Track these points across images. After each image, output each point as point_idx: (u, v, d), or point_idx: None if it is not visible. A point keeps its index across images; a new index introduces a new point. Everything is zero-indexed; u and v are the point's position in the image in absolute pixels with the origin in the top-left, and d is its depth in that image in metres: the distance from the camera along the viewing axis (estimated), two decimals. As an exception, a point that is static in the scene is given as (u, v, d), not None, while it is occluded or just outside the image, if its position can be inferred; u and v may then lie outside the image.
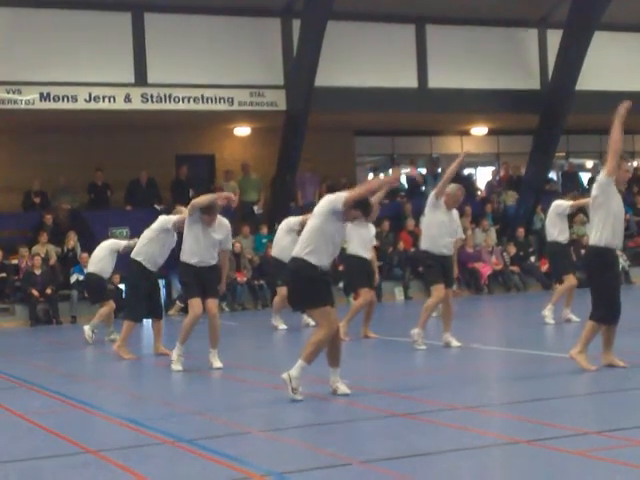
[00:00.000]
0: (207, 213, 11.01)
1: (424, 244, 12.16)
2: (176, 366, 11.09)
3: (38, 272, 19.51)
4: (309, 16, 21.01)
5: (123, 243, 15.07)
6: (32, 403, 9.38)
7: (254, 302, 21.05)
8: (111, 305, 15.27)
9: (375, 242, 14.23)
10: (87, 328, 15.06)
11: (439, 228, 11.95)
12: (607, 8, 22.23)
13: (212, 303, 11.20)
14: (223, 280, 11.53)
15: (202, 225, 11.06)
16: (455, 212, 12.31)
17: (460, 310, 13.07)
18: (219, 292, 11.51)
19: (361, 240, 13.34)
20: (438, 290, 11.98)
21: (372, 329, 13.80)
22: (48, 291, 19.33)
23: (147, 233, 12.65)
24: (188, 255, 11.14)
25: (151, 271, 12.54)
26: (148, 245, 12.50)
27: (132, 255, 12.82)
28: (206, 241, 11.08)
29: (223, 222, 11.30)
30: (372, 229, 13.78)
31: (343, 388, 8.70)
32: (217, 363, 11.11)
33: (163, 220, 12.42)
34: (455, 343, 12.02)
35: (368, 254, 13.56)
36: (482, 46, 23.83)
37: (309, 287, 8.62)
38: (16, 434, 7.86)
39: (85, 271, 15.43)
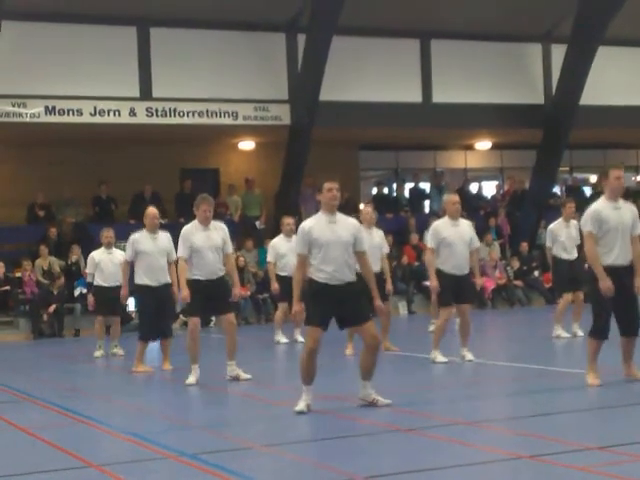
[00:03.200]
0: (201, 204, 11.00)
1: (438, 263, 11.95)
2: (190, 379, 11.01)
3: (56, 291, 19.55)
4: (314, 31, 21.08)
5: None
6: (35, 417, 9.38)
7: (257, 316, 21.07)
8: (100, 321, 15.27)
9: (386, 249, 13.54)
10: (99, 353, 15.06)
11: (448, 244, 11.82)
12: (611, 23, 22.28)
13: (229, 316, 11.08)
14: (236, 282, 11.37)
15: (199, 229, 11.00)
16: (464, 222, 12.14)
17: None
18: (233, 304, 11.44)
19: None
20: (445, 313, 11.96)
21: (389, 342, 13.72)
22: (53, 306, 19.40)
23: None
24: (191, 271, 11.07)
25: (154, 287, 12.39)
26: (139, 260, 12.45)
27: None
28: (207, 243, 10.98)
29: (219, 225, 11.27)
30: (377, 236, 13.21)
31: (381, 399, 8.70)
32: (243, 374, 11.04)
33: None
34: (470, 357, 11.97)
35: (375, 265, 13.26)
36: (486, 61, 23.89)
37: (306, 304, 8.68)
38: (19, 448, 7.86)
39: (108, 283, 15.13)
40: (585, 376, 9.53)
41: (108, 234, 15.17)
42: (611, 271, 9.26)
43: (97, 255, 15.08)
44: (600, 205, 9.44)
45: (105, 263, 14.92)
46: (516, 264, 23.33)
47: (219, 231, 11.12)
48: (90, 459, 7.06)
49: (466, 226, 12.09)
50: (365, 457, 6.82)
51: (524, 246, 23.80)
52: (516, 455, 6.62)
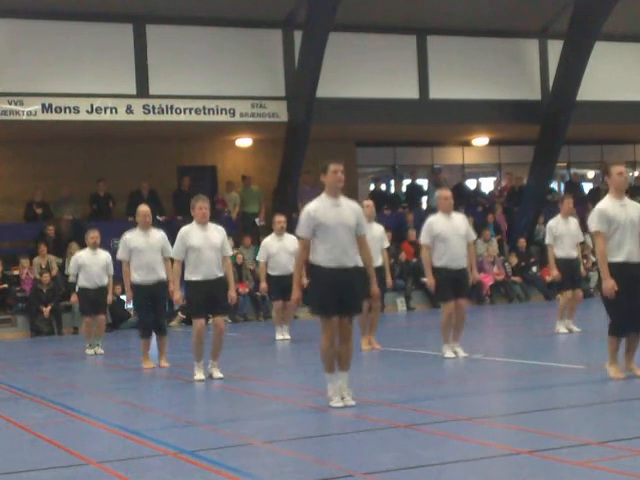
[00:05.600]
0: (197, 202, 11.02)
1: (435, 261, 12.01)
2: (197, 375, 11.08)
3: (45, 290, 19.52)
4: (311, 27, 21.06)
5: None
6: (34, 414, 9.37)
7: (256, 313, 21.06)
8: (87, 322, 15.30)
9: (386, 243, 13.69)
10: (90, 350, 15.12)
11: (443, 239, 11.87)
12: (607, 18, 22.28)
13: (220, 320, 11.12)
14: (231, 285, 11.37)
15: (197, 228, 11.02)
16: (458, 216, 12.18)
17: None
18: (228, 307, 11.46)
19: None
20: (446, 307, 12.03)
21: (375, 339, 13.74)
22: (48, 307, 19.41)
23: None
24: (190, 271, 11.07)
25: (147, 284, 12.38)
26: (133, 258, 12.48)
27: None
28: (206, 243, 10.98)
29: (218, 227, 11.31)
30: (377, 230, 13.30)
31: (349, 399, 8.65)
32: (217, 373, 11.11)
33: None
34: (462, 354, 12.00)
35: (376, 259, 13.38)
36: (483, 57, 23.88)
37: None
38: (18, 445, 7.85)
39: (90, 285, 15.15)
40: (607, 369, 9.55)
41: (94, 235, 15.21)
42: (624, 267, 9.30)
43: (80, 257, 15.12)
44: (606, 203, 9.47)
45: (89, 265, 14.96)
46: (514, 260, 23.34)
47: (218, 232, 11.15)
48: (89, 456, 7.05)
49: (460, 219, 12.13)
50: (365, 453, 6.82)
51: (522, 242, 23.83)
52: (516, 450, 6.62)
